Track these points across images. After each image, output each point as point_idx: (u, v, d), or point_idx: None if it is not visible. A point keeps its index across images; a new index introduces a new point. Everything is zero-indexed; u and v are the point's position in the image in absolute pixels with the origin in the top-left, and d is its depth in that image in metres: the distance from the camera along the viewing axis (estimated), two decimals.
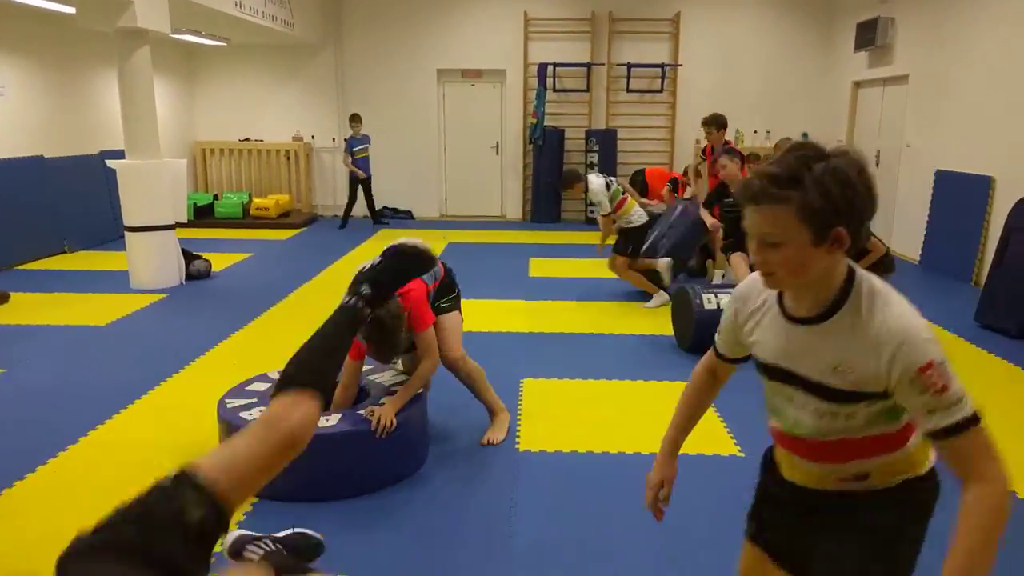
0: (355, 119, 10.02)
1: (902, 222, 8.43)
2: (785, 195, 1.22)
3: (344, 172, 10.56)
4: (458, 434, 3.54)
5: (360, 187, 10.22)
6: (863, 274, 1.32)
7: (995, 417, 3.44)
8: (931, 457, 1.44)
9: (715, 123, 6.61)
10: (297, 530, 2.49)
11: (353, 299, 1.82)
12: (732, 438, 3.53)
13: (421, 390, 3.26)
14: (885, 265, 4.68)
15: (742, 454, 3.36)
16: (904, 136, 8.47)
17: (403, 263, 1.98)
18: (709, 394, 1.73)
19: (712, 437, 3.52)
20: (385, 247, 2.03)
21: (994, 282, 5.54)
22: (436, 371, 3.26)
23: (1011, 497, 1.24)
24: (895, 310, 1.28)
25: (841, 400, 1.34)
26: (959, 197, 7.24)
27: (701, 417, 1.75)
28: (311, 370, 1.55)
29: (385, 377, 3.40)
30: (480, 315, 5.41)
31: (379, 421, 2.92)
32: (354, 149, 10.04)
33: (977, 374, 4.51)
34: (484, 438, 3.47)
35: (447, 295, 3.47)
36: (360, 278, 1.89)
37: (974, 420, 1.24)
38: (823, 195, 1.21)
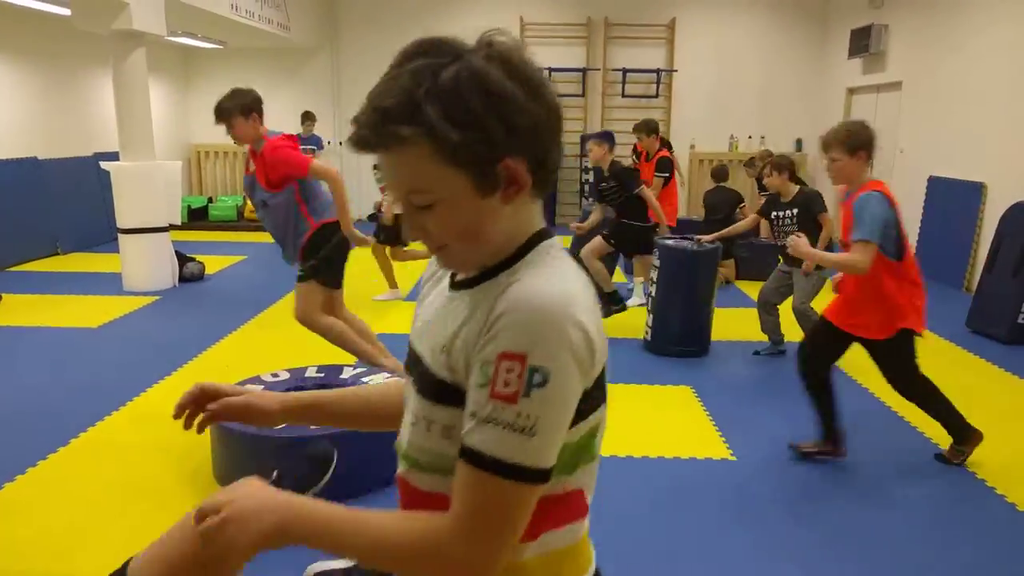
0: (307, 117, 9.46)
1: None
2: (405, 133, 0.80)
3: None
4: None
5: None
6: (555, 243, 0.92)
7: (985, 423, 3.45)
8: None
9: (644, 128, 6.64)
10: None
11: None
12: (724, 441, 3.53)
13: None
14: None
15: (734, 458, 3.36)
16: (898, 142, 8.51)
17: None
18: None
19: (704, 441, 3.52)
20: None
21: (985, 288, 5.57)
22: (341, 179, 3.77)
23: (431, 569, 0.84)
24: (540, 280, 0.85)
25: (430, 395, 0.91)
26: (952, 203, 7.28)
27: (372, 420, 1.18)
28: None
29: (377, 380, 3.40)
30: None
31: None
32: None
33: (968, 379, 4.53)
34: None
35: (307, 259, 3.65)
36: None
37: (515, 472, 0.80)
38: (459, 120, 0.80)
